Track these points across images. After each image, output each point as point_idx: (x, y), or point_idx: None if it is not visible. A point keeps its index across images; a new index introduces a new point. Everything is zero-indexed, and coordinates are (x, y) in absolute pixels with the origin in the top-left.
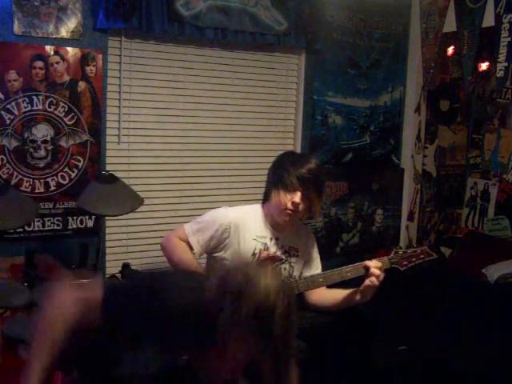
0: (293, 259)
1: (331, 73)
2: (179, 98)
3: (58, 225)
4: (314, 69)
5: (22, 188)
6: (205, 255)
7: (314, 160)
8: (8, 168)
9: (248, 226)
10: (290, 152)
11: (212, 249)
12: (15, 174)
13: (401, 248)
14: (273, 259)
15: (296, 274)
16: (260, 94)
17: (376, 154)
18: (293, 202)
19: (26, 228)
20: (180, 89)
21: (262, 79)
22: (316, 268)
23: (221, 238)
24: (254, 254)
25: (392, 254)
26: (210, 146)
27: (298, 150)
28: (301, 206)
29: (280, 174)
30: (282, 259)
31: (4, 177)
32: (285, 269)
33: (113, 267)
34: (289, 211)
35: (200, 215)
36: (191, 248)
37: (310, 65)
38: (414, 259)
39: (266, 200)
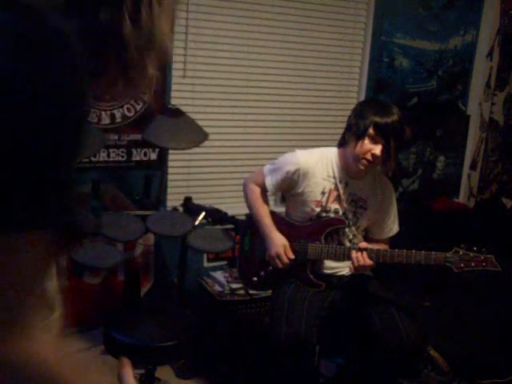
0: (359, 210)
1: (401, 13)
2: (244, 34)
3: (123, 156)
4: (383, 9)
5: (89, 119)
6: None
7: (396, 111)
8: None
9: (318, 168)
10: (372, 100)
11: (286, 188)
12: None
13: (462, 248)
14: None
15: (361, 225)
16: (327, 33)
17: (442, 99)
18: (372, 154)
19: (92, 158)
20: (246, 24)
21: (330, 17)
22: (387, 222)
23: (292, 180)
24: (323, 193)
25: (451, 253)
26: (274, 83)
27: (363, 92)
28: (379, 159)
29: (362, 123)
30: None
31: None
32: (348, 219)
33: (174, 200)
34: (366, 162)
35: (261, 153)
36: (266, 189)
37: (380, 4)
38: (473, 264)
39: (342, 144)
